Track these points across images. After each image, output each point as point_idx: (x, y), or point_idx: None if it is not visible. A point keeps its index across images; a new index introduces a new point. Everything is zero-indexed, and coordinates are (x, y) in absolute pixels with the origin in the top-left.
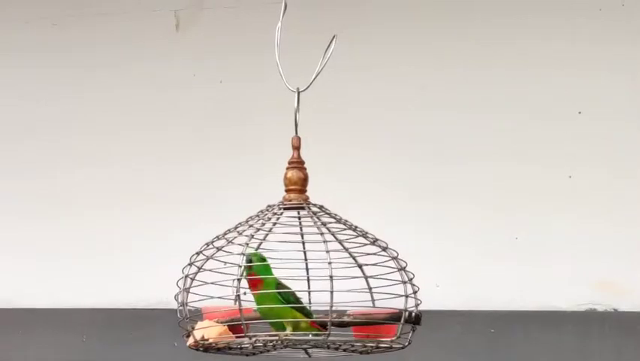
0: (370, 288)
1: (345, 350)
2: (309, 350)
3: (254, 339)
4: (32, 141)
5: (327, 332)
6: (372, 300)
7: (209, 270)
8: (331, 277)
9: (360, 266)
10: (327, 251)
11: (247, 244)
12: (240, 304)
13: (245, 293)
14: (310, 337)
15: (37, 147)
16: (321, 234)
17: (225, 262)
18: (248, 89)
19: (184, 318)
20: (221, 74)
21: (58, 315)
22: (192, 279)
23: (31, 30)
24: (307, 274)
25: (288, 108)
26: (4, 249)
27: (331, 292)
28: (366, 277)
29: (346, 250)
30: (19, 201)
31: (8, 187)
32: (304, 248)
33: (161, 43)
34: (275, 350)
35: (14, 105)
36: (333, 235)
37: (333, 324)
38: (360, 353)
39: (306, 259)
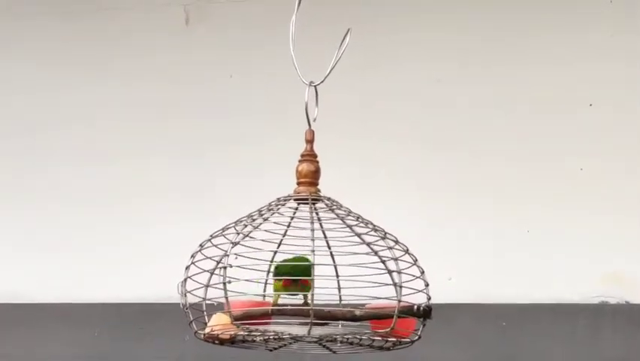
0: (395, 282)
1: (359, 345)
2: (328, 345)
3: (245, 328)
4: (41, 135)
5: (309, 320)
6: (397, 294)
7: (210, 258)
8: (313, 265)
9: (383, 262)
10: (312, 239)
11: (239, 233)
12: (225, 293)
13: (229, 282)
14: (296, 329)
15: (46, 141)
16: (311, 222)
17: (235, 254)
18: (258, 83)
19: (184, 309)
20: (232, 68)
21: (69, 310)
22: (211, 272)
23: (42, 23)
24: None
25: (300, 102)
26: (14, 245)
27: (313, 279)
28: (389, 272)
29: (367, 244)
30: (29, 197)
31: (18, 183)
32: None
33: (170, 38)
34: (289, 343)
35: (22, 99)
36: (350, 227)
37: (344, 318)
38: (379, 348)
39: (335, 248)
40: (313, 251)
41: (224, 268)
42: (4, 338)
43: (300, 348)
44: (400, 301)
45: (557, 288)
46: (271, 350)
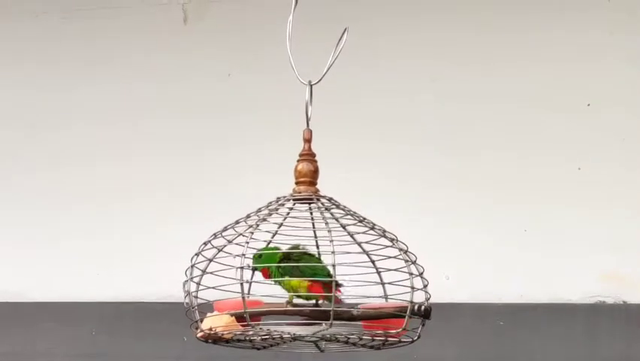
0: (383, 282)
1: (354, 344)
2: (320, 344)
3: (257, 328)
4: (40, 134)
5: (329, 322)
6: (385, 295)
7: (212, 259)
8: (334, 265)
9: (373, 262)
10: (331, 240)
11: (252, 233)
12: (242, 293)
13: (247, 281)
14: (312, 328)
15: (45, 140)
16: (326, 223)
17: (236, 255)
18: (256, 82)
19: (190, 308)
20: (230, 67)
21: (67, 309)
22: (203, 271)
23: (40, 23)
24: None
25: (297, 101)
26: (13, 243)
27: (335, 281)
28: (378, 271)
29: (359, 244)
30: (27, 197)
31: (17, 183)
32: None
33: (169, 37)
34: (283, 342)
35: (21, 98)
36: (343, 227)
37: (340, 317)
38: (371, 347)
39: (326, 246)
40: (333, 252)
41: (241, 268)
42: (3, 337)
43: (289, 346)
44: (411, 301)
45: (555, 287)
46: (258, 349)
